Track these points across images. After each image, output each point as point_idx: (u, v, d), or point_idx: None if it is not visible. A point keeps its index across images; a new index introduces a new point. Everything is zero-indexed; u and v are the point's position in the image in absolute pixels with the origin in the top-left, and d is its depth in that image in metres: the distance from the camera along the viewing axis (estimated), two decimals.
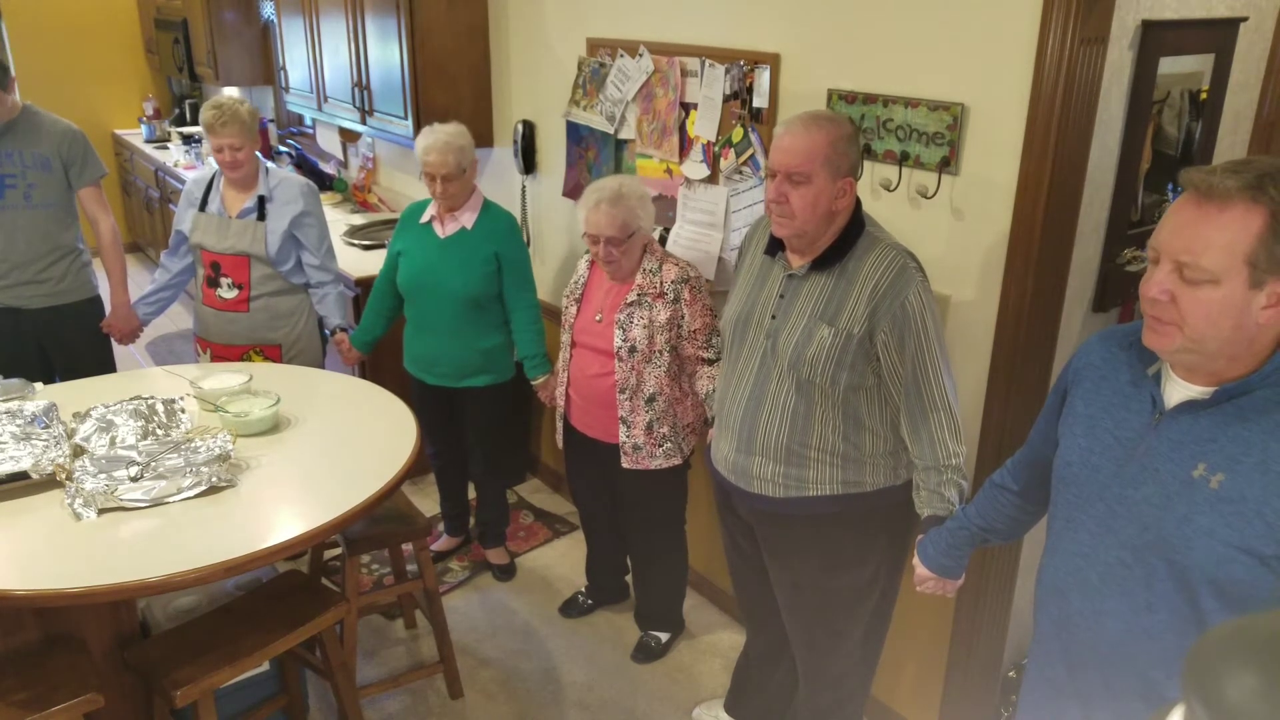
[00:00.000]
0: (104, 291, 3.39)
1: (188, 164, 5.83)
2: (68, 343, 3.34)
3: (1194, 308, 1.23)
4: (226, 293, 3.13)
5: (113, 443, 2.22)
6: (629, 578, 3.21)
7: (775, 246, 2.03)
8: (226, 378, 2.63)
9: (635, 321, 2.59)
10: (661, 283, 2.59)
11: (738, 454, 2.10)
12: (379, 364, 3.67)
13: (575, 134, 3.33)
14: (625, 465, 2.70)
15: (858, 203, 1.98)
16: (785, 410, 2.00)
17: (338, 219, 4.65)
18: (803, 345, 1.94)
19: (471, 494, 3.50)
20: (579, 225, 2.61)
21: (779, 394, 2.00)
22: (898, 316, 1.88)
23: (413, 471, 2.33)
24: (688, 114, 2.83)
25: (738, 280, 2.16)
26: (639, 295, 2.59)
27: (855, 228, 1.95)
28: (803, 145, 1.86)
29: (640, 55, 2.94)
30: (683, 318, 2.59)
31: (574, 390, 2.78)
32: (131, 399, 2.39)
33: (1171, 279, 1.24)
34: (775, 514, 2.10)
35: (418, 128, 3.59)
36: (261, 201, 3.09)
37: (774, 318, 2.01)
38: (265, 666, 2.49)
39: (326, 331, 3.30)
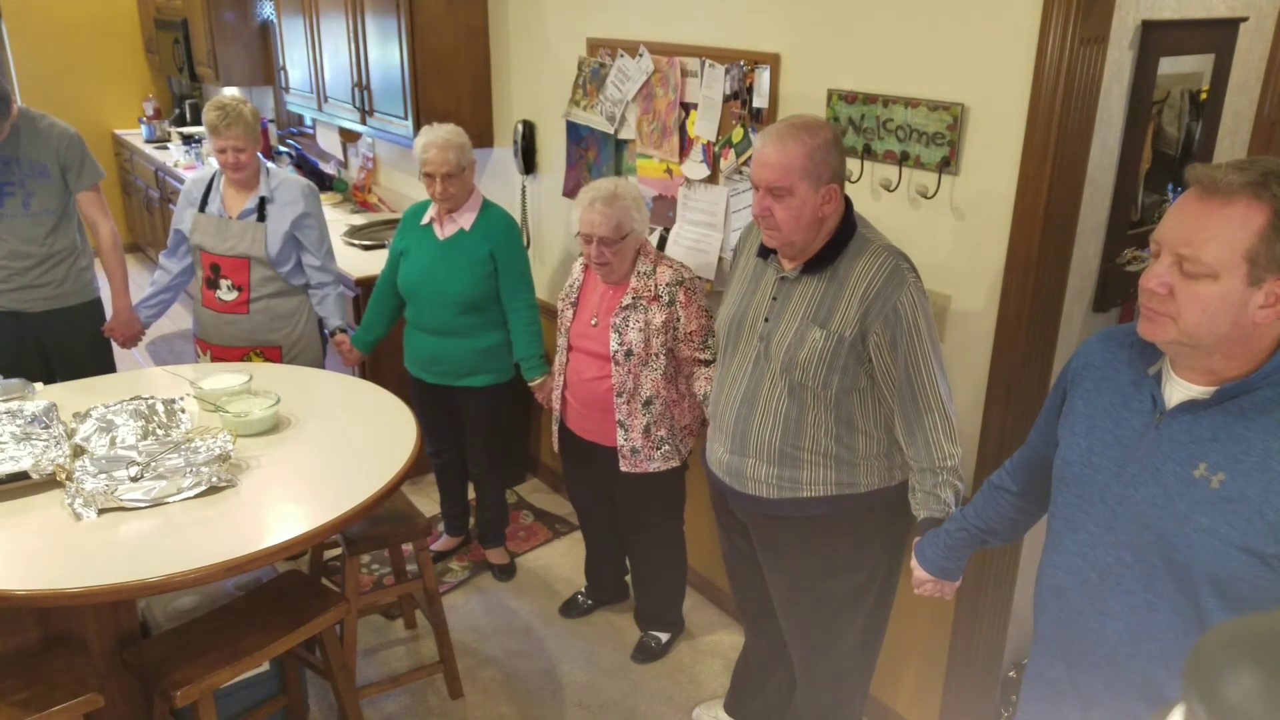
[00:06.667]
0: (105, 294, 3.38)
1: (188, 164, 5.83)
2: (69, 345, 3.34)
3: (1191, 302, 1.23)
4: (226, 295, 3.13)
5: (113, 443, 2.22)
6: (629, 578, 3.21)
7: (768, 249, 2.03)
8: (226, 378, 2.63)
9: (631, 325, 2.58)
10: (656, 285, 2.59)
11: (731, 455, 2.10)
12: (379, 364, 3.67)
13: (575, 134, 3.33)
14: (623, 469, 2.70)
15: (848, 204, 1.97)
16: (778, 413, 2.00)
17: (338, 219, 4.65)
18: (794, 348, 1.94)
19: (471, 494, 3.50)
20: (575, 225, 2.61)
21: (772, 396, 2.00)
22: (890, 318, 1.87)
23: (413, 471, 2.33)
24: (688, 114, 2.83)
25: (732, 282, 2.16)
26: (634, 299, 2.59)
27: (846, 230, 1.95)
28: (780, 160, 1.86)
29: (640, 55, 2.94)
30: (678, 320, 2.59)
31: (570, 394, 2.78)
32: (131, 399, 2.39)
33: (1171, 272, 1.25)
34: (769, 515, 2.10)
35: (418, 128, 3.59)
36: (262, 203, 3.09)
37: (767, 320, 2.01)
38: (265, 666, 2.49)
39: (326, 332, 3.30)
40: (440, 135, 2.90)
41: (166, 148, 6.42)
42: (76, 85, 6.97)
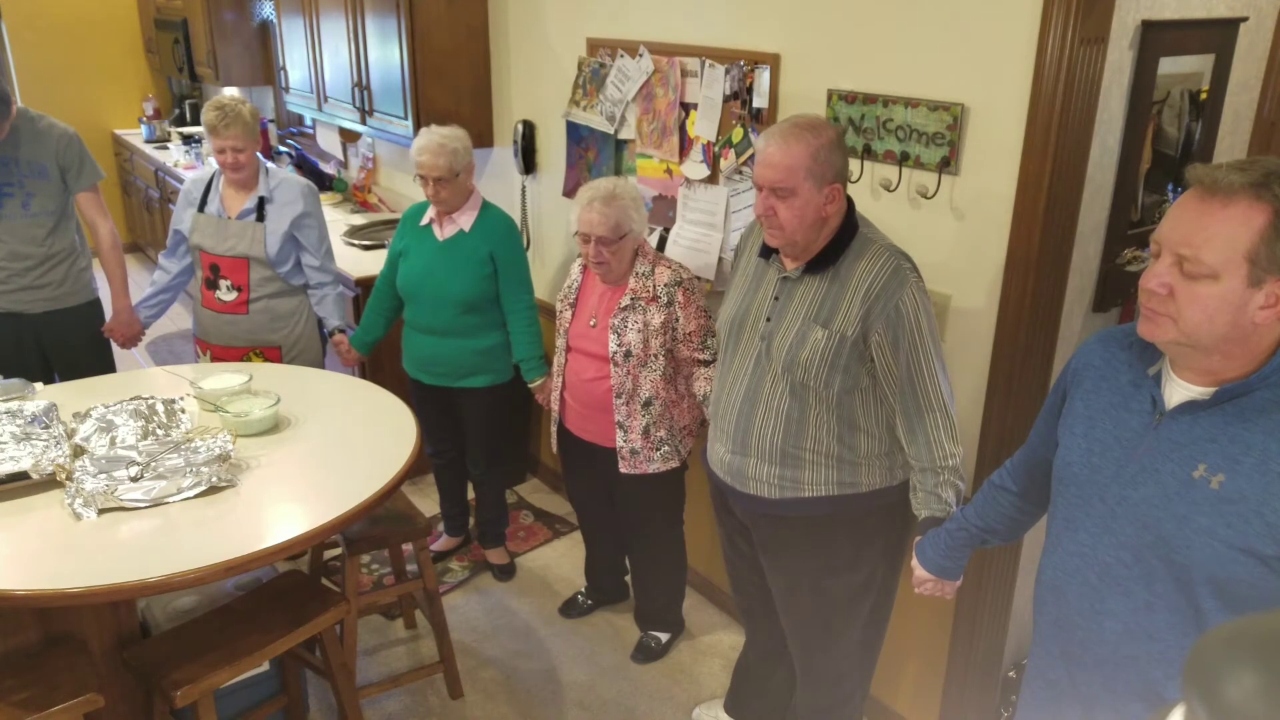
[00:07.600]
0: (104, 294, 3.38)
1: (188, 164, 5.83)
2: (69, 346, 3.34)
3: (1191, 302, 1.23)
4: (225, 295, 3.13)
5: (113, 443, 2.22)
6: (628, 578, 3.21)
7: (769, 249, 2.03)
8: (226, 378, 2.63)
9: (630, 326, 2.58)
10: (654, 286, 2.58)
11: (733, 455, 2.10)
12: (379, 364, 3.67)
13: (575, 134, 3.33)
14: (623, 470, 2.69)
15: (850, 204, 1.97)
16: (779, 412, 2.00)
17: (338, 219, 4.65)
18: (796, 348, 1.94)
19: (471, 494, 3.50)
20: (573, 225, 2.60)
21: (773, 396, 2.00)
22: (891, 318, 1.88)
23: (413, 471, 2.33)
24: (688, 114, 2.83)
25: (733, 282, 2.17)
26: (632, 299, 2.59)
27: (848, 230, 1.95)
28: (783, 159, 1.86)
29: (640, 55, 2.94)
30: (677, 320, 2.59)
31: (570, 394, 2.78)
32: (131, 399, 2.39)
33: (1171, 273, 1.25)
34: (771, 515, 2.10)
35: (418, 128, 3.59)
36: (261, 203, 3.09)
37: (769, 320, 2.01)
38: (265, 666, 2.49)
39: (325, 332, 3.30)
40: (435, 140, 2.89)
41: (166, 148, 6.42)
42: (76, 85, 6.96)
